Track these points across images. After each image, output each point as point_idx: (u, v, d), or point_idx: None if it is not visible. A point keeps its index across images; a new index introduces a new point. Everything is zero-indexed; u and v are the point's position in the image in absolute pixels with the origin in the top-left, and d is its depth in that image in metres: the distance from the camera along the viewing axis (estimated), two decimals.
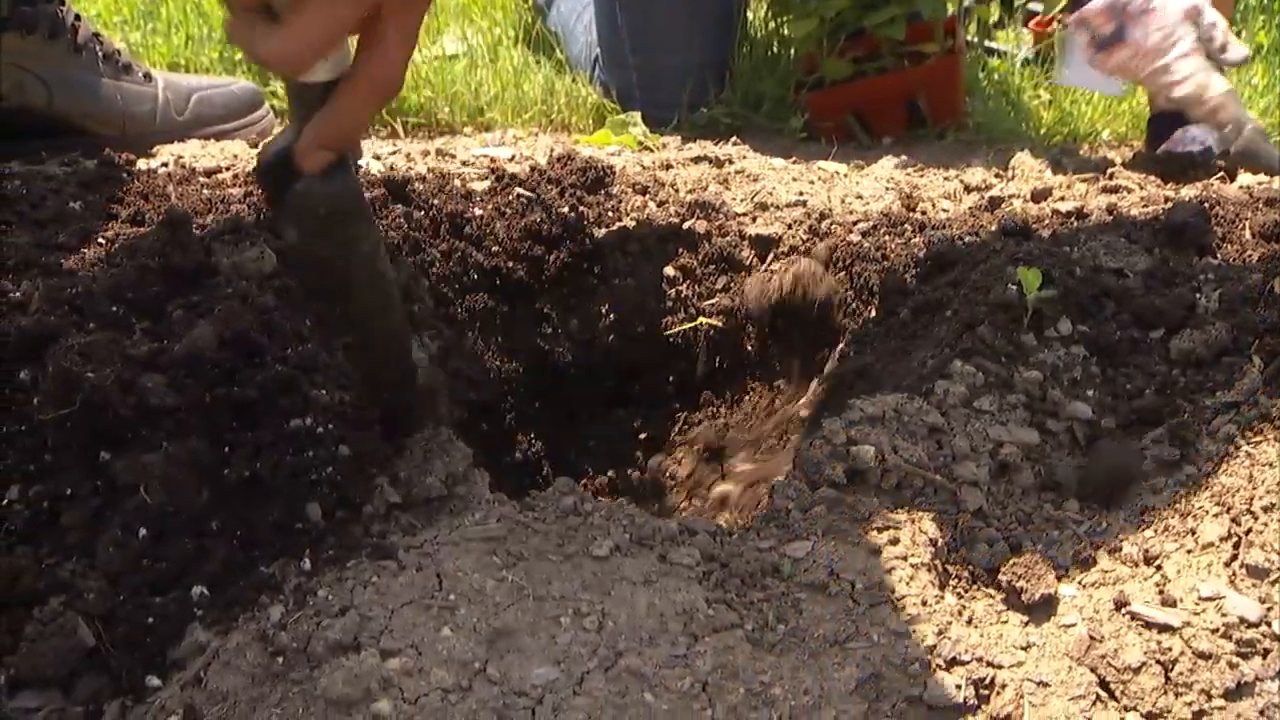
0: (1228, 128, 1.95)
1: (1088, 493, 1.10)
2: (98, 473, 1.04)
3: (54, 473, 1.05)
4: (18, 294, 1.22)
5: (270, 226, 1.06)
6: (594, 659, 0.93)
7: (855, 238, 1.57)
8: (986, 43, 3.14)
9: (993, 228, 1.52)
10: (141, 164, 1.84)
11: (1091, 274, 1.31)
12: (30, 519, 1.03)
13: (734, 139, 2.13)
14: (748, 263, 1.60)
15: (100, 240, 1.40)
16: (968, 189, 1.84)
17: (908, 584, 1.01)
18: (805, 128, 2.63)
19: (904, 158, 2.14)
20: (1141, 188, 1.79)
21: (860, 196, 1.75)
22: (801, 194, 1.73)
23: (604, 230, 1.61)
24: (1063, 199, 1.67)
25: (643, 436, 1.60)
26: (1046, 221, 1.52)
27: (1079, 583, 1.03)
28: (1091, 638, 0.95)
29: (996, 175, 1.95)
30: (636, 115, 2.45)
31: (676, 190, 1.74)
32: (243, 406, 1.08)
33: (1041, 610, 1.01)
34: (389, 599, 0.97)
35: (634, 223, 1.62)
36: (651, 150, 2.15)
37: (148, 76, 2.08)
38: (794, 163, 2.09)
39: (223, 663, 0.93)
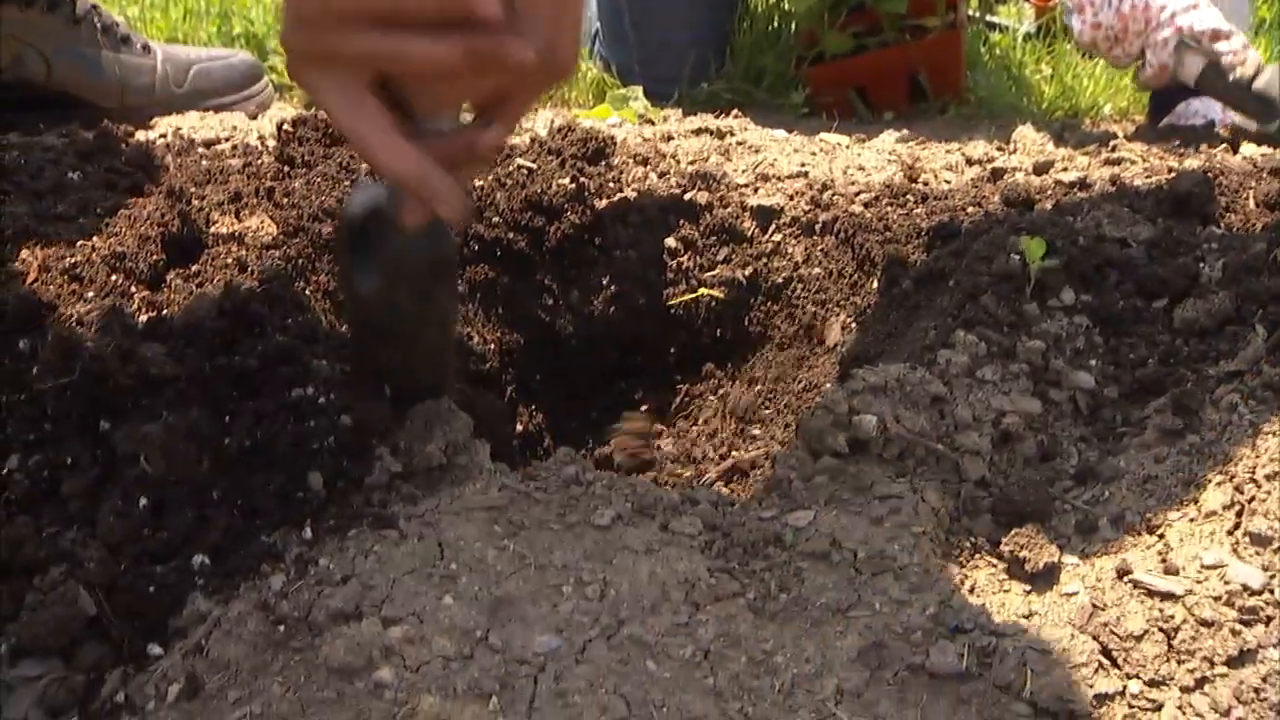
0: (1247, 65, 1.95)
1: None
2: (98, 442, 1.03)
3: (54, 442, 1.05)
4: (17, 263, 1.22)
5: (346, 274, 1.06)
6: (596, 627, 0.93)
7: (857, 209, 1.56)
8: (988, 17, 3.12)
9: (995, 199, 1.51)
10: (140, 135, 1.83)
11: (1095, 243, 1.31)
12: (30, 488, 1.03)
13: (735, 111, 2.12)
14: (749, 234, 1.60)
15: (98, 210, 1.39)
16: (969, 161, 1.83)
17: (910, 553, 1.00)
18: (806, 102, 2.62)
19: (905, 131, 2.13)
20: (1144, 159, 1.78)
21: (862, 168, 1.74)
22: (803, 165, 1.72)
23: (605, 201, 1.60)
24: (1065, 170, 1.66)
25: (644, 408, 1.59)
26: (1049, 192, 1.52)
27: (1081, 552, 1.03)
28: (1094, 606, 0.95)
29: (998, 148, 1.94)
30: (637, 90, 2.44)
31: (678, 161, 1.73)
32: (243, 376, 1.07)
33: (1044, 579, 1.01)
34: (390, 568, 0.97)
35: (635, 194, 1.61)
36: (653, 123, 2.14)
37: (146, 48, 2.07)
38: (795, 135, 2.08)
39: (224, 631, 0.93)
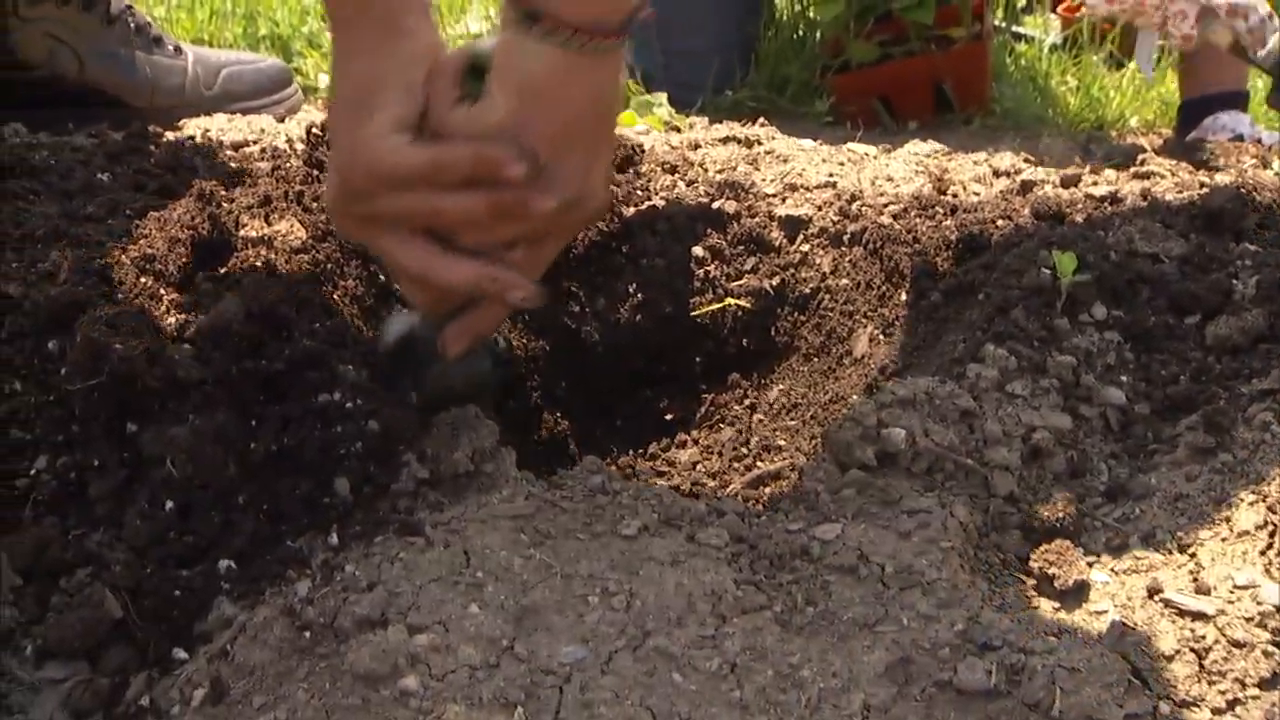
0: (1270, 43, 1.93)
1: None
2: (125, 444, 1.03)
3: (82, 444, 1.05)
4: (47, 264, 1.22)
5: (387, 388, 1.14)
6: (622, 638, 0.92)
7: (886, 220, 1.55)
8: (1014, 28, 3.11)
9: (1025, 211, 1.50)
10: (169, 137, 1.84)
11: (1126, 258, 1.30)
12: (58, 490, 1.03)
13: (761, 120, 2.11)
14: (777, 244, 1.59)
15: (127, 212, 1.39)
16: (997, 173, 1.82)
17: (939, 568, 1.00)
18: (830, 111, 2.61)
19: (932, 142, 2.12)
20: (1174, 174, 1.77)
21: (890, 179, 1.73)
22: (831, 175, 1.72)
23: (633, 209, 1.60)
24: (1095, 184, 1.65)
25: (669, 417, 1.58)
26: (1079, 206, 1.51)
27: (1111, 569, 1.02)
28: (1124, 625, 0.94)
29: (1026, 160, 1.93)
30: (662, 97, 2.43)
31: (705, 170, 1.73)
32: (270, 380, 1.07)
33: (1073, 597, 1.00)
34: (416, 575, 0.96)
35: (663, 202, 1.60)
36: (679, 131, 2.13)
37: (178, 50, 2.08)
38: (823, 144, 2.07)
39: (250, 636, 0.93)
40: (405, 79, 1.02)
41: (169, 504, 1.01)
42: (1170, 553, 1.02)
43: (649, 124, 2.22)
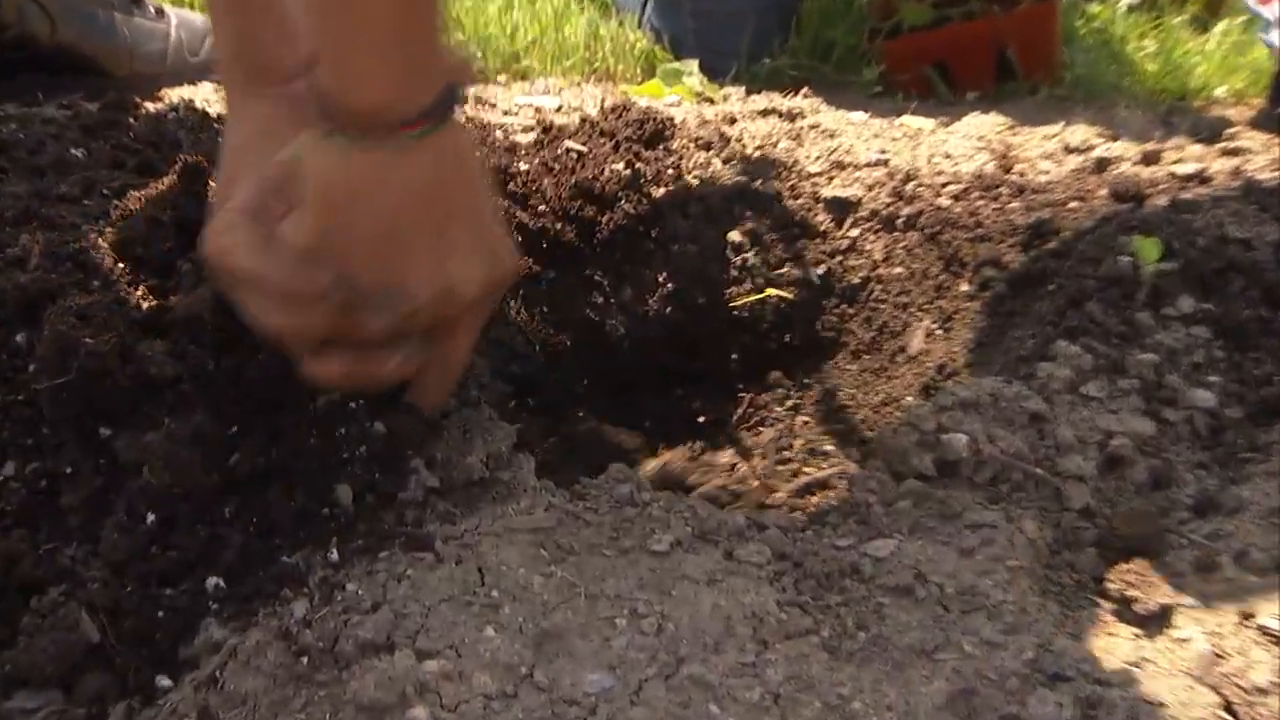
0: None
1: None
2: (99, 449, 1.04)
3: (53, 448, 1.05)
4: (16, 249, 1.22)
5: None
6: (653, 665, 0.92)
7: (945, 201, 1.54)
8: None
9: (1101, 192, 1.50)
10: (149, 107, 1.84)
11: (1216, 245, 1.29)
12: (27, 498, 1.03)
13: (805, 90, 2.11)
14: (823, 228, 1.58)
15: (105, 191, 1.39)
16: (1068, 149, 1.81)
17: (1004, 589, 1.00)
18: (879, 80, 2.60)
19: (994, 114, 2.11)
20: (1267, 150, 1.76)
21: (949, 156, 1.72)
22: (883, 152, 1.71)
23: (663, 190, 1.59)
24: (1179, 161, 1.64)
25: (702, 419, 1.58)
26: (1162, 186, 1.50)
27: (1199, 592, 1.02)
28: (1214, 654, 0.94)
29: (1100, 135, 1.92)
30: (692, 64, 2.42)
31: (743, 146, 1.72)
32: (257, 377, 1.07)
33: (1156, 622, 1.00)
34: (425, 594, 0.97)
35: (696, 181, 1.60)
36: (713, 102, 2.13)
37: (160, 12, 2.08)
38: (874, 117, 2.07)
39: (241, 662, 0.93)
40: (259, 162, 1.03)
41: (149, 516, 1.01)
42: (1266, 573, 1.01)
43: (678, 94, 2.21)
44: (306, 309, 1.01)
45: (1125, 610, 1.01)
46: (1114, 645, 0.97)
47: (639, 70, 2.65)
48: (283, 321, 1.02)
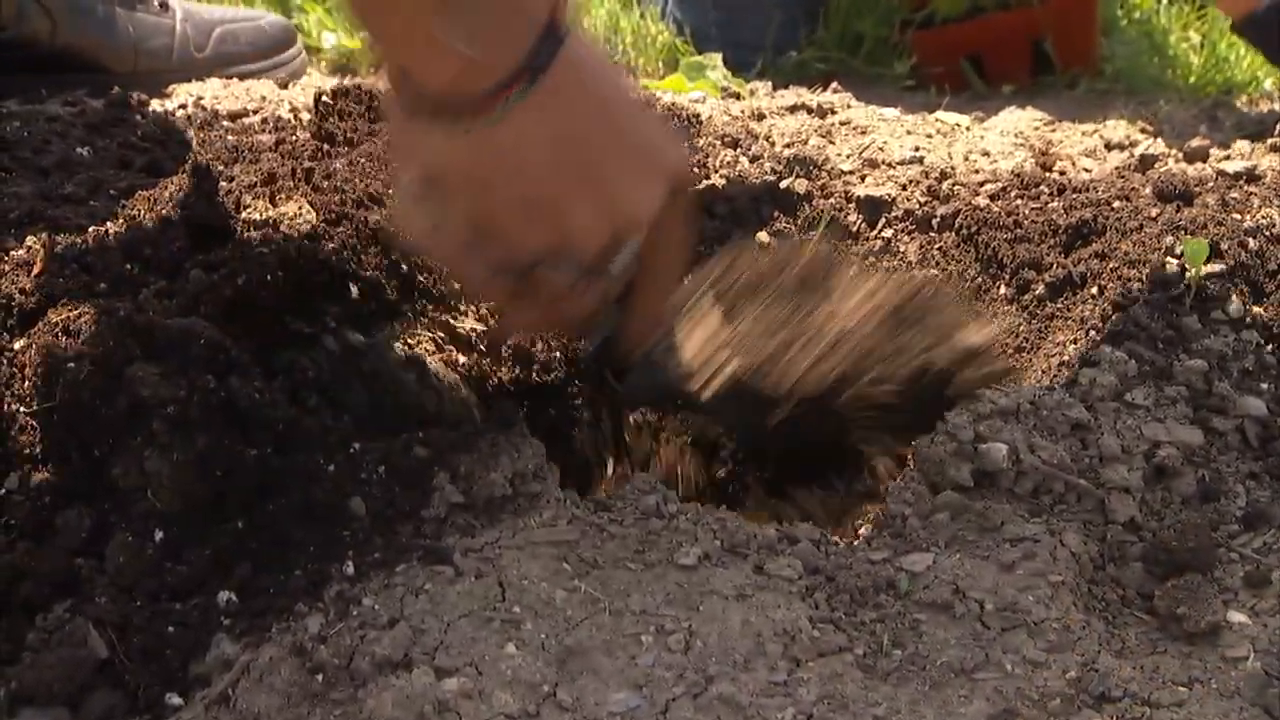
0: None
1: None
2: (99, 469, 1.04)
3: (55, 462, 1.05)
4: (21, 251, 1.23)
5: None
6: (681, 684, 0.92)
7: (982, 201, 1.54)
8: None
9: (1145, 191, 1.49)
10: (155, 105, 1.85)
11: (1268, 246, 1.28)
12: (32, 512, 1.03)
13: (834, 85, 2.11)
14: (855, 229, 1.58)
15: (112, 191, 1.40)
16: (1109, 145, 1.81)
17: (1047, 606, 0.99)
18: (911, 74, 2.60)
19: (1030, 110, 2.11)
20: None
21: (986, 153, 1.72)
22: (917, 149, 1.71)
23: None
24: (1226, 158, 1.64)
25: None
26: (1210, 185, 1.49)
27: (1251, 609, 1.01)
28: (1267, 674, 0.94)
29: (1142, 130, 1.91)
30: (716, 58, 2.42)
31: (772, 143, 1.72)
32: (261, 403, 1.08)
33: (1207, 640, 0.99)
34: (444, 610, 0.97)
35: (723, 180, 1.60)
36: (739, 97, 2.12)
37: (164, 6, 2.09)
38: (906, 112, 2.06)
39: (254, 679, 0.93)
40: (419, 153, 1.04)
41: (158, 533, 1.01)
42: None
43: (702, 88, 2.21)
44: (486, 284, 1.08)
45: (1174, 628, 1.00)
46: (1162, 664, 0.97)
47: (660, 64, 2.65)
48: (472, 290, 1.13)
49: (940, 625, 0.99)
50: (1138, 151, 1.70)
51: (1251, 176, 1.52)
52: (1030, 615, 0.98)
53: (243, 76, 2.09)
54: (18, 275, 1.18)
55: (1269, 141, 1.78)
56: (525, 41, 0.94)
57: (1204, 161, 1.63)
